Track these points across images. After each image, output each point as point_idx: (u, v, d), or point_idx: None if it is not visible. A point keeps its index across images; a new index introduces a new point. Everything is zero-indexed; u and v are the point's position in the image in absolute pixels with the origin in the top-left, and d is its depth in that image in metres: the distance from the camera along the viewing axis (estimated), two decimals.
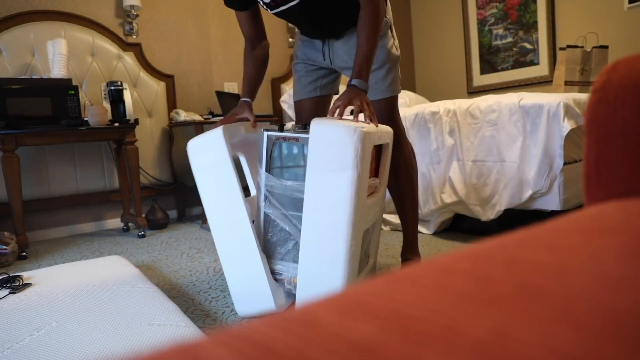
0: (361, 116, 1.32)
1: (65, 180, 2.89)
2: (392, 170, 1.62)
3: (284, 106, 3.70)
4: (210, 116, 3.22)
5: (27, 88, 2.42)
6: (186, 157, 3.35)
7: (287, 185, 1.30)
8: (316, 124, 1.22)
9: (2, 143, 2.32)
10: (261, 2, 1.49)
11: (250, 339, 0.22)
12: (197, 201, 3.46)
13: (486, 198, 2.05)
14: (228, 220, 1.33)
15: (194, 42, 3.47)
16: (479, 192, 2.07)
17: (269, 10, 1.51)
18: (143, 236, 2.70)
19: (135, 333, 1.12)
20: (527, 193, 1.91)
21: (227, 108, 3.25)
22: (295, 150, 1.32)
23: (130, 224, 2.99)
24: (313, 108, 1.69)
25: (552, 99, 1.86)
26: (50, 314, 1.26)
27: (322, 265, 1.25)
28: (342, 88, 1.58)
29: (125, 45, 3.15)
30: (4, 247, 2.19)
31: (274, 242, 1.35)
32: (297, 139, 1.29)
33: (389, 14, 1.57)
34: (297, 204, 1.29)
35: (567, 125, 1.80)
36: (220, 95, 3.29)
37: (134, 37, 3.20)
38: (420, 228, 2.28)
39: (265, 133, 1.32)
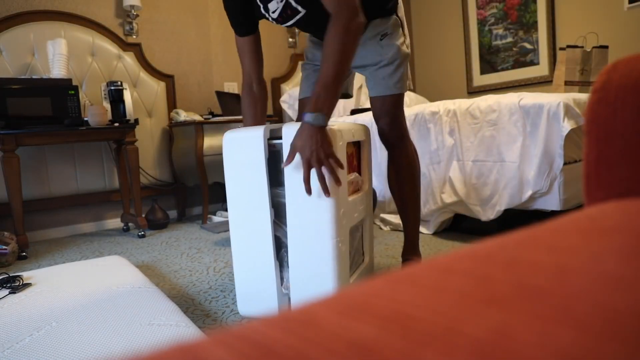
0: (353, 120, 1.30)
1: (65, 180, 2.89)
2: (394, 171, 1.61)
3: (284, 106, 3.70)
4: (210, 116, 3.22)
5: (27, 88, 2.42)
6: (186, 157, 3.33)
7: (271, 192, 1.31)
8: (287, 128, 1.22)
9: (2, 143, 2.32)
10: (270, 19, 1.47)
11: (250, 339, 0.22)
12: (197, 201, 3.46)
13: (486, 198, 2.05)
14: (250, 220, 1.33)
15: (194, 42, 3.47)
16: (479, 192, 2.07)
17: (276, 24, 1.51)
18: (143, 236, 2.70)
19: (135, 333, 1.12)
20: (527, 193, 1.91)
21: (227, 108, 3.25)
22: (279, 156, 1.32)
23: (130, 224, 2.99)
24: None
25: (552, 99, 1.86)
26: (50, 314, 1.26)
27: (312, 266, 1.26)
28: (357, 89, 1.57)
29: (125, 45, 3.15)
30: (4, 247, 2.19)
31: None
32: (274, 146, 1.30)
33: (401, 12, 1.57)
34: (282, 210, 1.30)
35: (567, 125, 1.80)
36: (220, 95, 3.29)
37: (134, 37, 3.20)
38: (421, 228, 2.28)
39: None
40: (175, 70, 3.39)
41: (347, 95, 1.78)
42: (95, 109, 2.58)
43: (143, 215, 2.78)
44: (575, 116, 1.83)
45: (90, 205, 3.03)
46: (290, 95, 3.64)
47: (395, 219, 2.41)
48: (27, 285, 1.55)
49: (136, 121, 2.75)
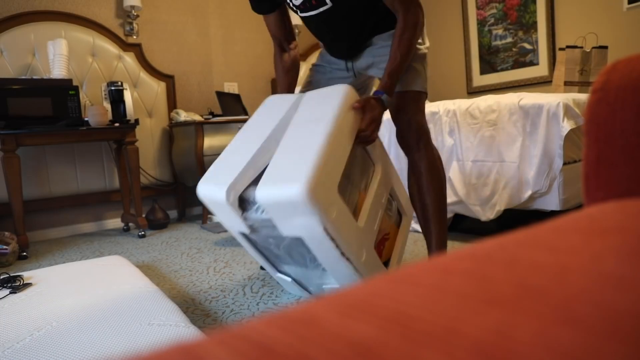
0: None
1: (66, 180, 2.89)
2: (414, 178, 1.46)
3: None
4: (210, 116, 3.22)
5: (27, 88, 2.42)
6: (186, 157, 3.33)
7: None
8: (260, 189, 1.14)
9: (2, 143, 2.32)
10: (291, 4, 1.48)
11: (250, 339, 0.22)
12: (197, 201, 3.46)
13: (486, 198, 2.05)
14: (251, 253, 1.44)
15: (194, 42, 3.47)
16: (479, 192, 2.07)
17: (298, 13, 1.52)
18: (143, 236, 2.70)
19: (135, 333, 1.12)
20: (527, 193, 1.91)
21: (227, 108, 3.25)
22: None
23: (130, 224, 2.99)
24: None
25: (551, 99, 1.86)
26: (51, 314, 1.26)
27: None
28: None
29: (125, 46, 3.15)
30: (5, 247, 2.19)
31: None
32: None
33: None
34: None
35: (566, 126, 1.80)
36: (220, 95, 3.29)
37: (134, 37, 3.20)
38: None
39: None
40: (175, 70, 3.39)
41: None
42: (95, 109, 2.58)
43: (143, 215, 2.78)
44: (575, 116, 1.83)
45: (90, 205, 3.03)
46: None
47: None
48: (28, 285, 1.55)
49: (136, 121, 2.75)
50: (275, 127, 1.33)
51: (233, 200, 1.22)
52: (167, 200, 3.32)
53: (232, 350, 0.21)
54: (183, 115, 3.13)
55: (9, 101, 2.34)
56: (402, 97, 1.45)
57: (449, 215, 2.25)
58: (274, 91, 3.85)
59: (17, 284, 1.54)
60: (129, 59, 3.16)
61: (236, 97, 3.42)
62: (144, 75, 3.21)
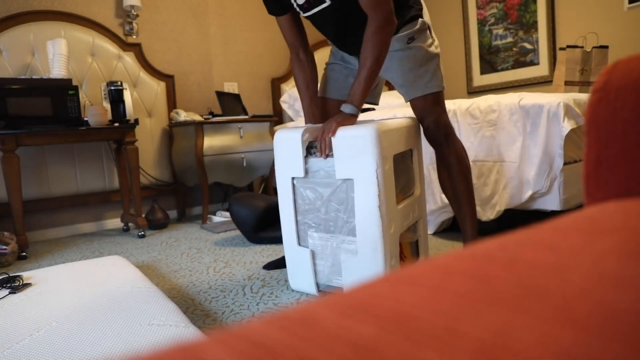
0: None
1: (65, 180, 2.89)
2: (446, 171, 1.61)
3: (284, 106, 3.70)
4: (210, 116, 3.22)
5: (27, 88, 2.42)
6: (186, 157, 3.34)
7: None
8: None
9: (2, 143, 2.32)
10: (295, 4, 1.52)
11: (250, 339, 0.22)
12: (197, 201, 3.46)
13: (486, 198, 2.05)
14: (284, 212, 1.55)
15: (194, 42, 3.47)
16: (479, 192, 2.07)
17: (302, 13, 1.55)
18: (143, 236, 2.70)
19: (135, 333, 1.12)
20: (527, 193, 1.91)
21: (227, 108, 3.25)
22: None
23: (130, 224, 2.99)
24: (334, 108, 1.74)
25: (552, 99, 1.86)
26: (50, 314, 1.26)
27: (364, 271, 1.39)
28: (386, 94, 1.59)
29: (125, 45, 3.15)
30: (4, 247, 2.19)
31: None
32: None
33: (427, 17, 1.60)
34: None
35: (567, 125, 1.80)
36: (220, 95, 3.29)
37: (134, 37, 3.20)
38: None
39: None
40: (175, 70, 3.39)
41: (374, 104, 1.83)
42: (95, 109, 2.58)
43: (143, 215, 2.78)
44: (575, 116, 1.83)
45: (90, 205, 3.03)
46: (290, 95, 3.64)
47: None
48: (27, 285, 1.55)
49: (136, 121, 2.75)
50: None
51: (306, 139, 1.46)
52: (167, 200, 3.32)
53: (232, 350, 0.21)
54: (183, 115, 3.13)
55: (9, 101, 2.34)
56: (425, 101, 1.57)
57: (449, 215, 2.25)
58: (274, 91, 3.85)
59: (17, 284, 1.54)
60: (129, 58, 3.16)
61: (236, 97, 3.42)
62: (143, 75, 3.21)
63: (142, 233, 2.69)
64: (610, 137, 0.58)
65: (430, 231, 2.30)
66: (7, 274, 1.64)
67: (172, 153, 3.27)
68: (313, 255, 1.51)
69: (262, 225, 2.38)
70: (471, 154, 2.10)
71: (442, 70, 1.60)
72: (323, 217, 1.46)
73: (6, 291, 1.49)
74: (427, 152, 2.26)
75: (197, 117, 3.14)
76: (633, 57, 0.60)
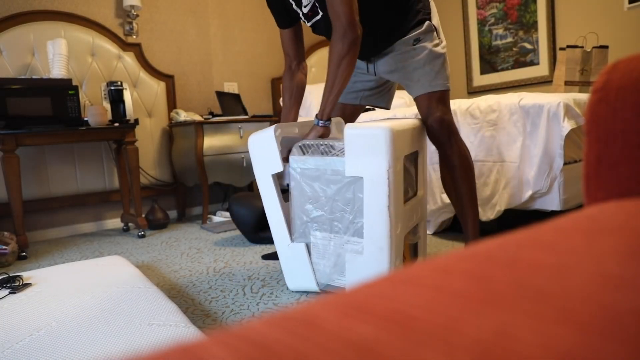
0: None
1: (65, 180, 2.89)
2: (448, 172, 1.60)
3: None
4: (210, 116, 3.22)
5: (27, 88, 2.42)
6: (186, 157, 3.34)
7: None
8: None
9: (2, 143, 2.32)
10: (300, 14, 1.56)
11: (250, 339, 0.22)
12: (197, 201, 3.46)
13: (486, 198, 2.05)
14: (271, 211, 1.54)
15: (194, 42, 3.47)
16: (479, 192, 2.07)
17: (306, 23, 1.59)
18: (143, 236, 2.70)
19: (135, 333, 1.12)
20: (527, 193, 1.91)
21: (227, 108, 3.25)
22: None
23: (130, 224, 2.99)
24: (342, 111, 1.78)
25: (552, 99, 1.86)
26: (50, 314, 1.26)
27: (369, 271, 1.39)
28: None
29: (125, 45, 3.15)
30: (4, 247, 2.19)
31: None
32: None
33: (435, 20, 1.60)
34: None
35: (567, 125, 1.80)
36: (220, 95, 3.29)
37: (134, 37, 3.20)
38: None
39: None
40: (175, 70, 3.39)
41: (385, 108, 1.86)
42: (95, 109, 2.58)
43: (143, 215, 2.78)
44: (575, 116, 1.83)
45: (90, 205, 3.03)
46: None
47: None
48: (27, 285, 1.55)
49: (136, 121, 2.75)
50: None
51: (278, 135, 1.47)
52: (166, 200, 3.32)
53: (232, 350, 0.21)
54: (183, 115, 3.13)
55: (9, 101, 2.34)
56: (430, 99, 1.56)
57: (449, 215, 2.25)
58: (274, 91, 3.85)
59: (17, 284, 1.54)
60: (129, 58, 3.15)
61: (236, 97, 3.42)
62: (143, 75, 3.21)
63: (142, 233, 2.69)
64: (610, 137, 0.58)
65: (430, 231, 2.30)
66: (7, 274, 1.64)
67: (172, 153, 3.27)
68: (308, 248, 1.50)
69: (262, 225, 2.38)
70: (471, 154, 2.10)
71: (448, 71, 1.60)
72: (328, 217, 1.45)
73: (6, 291, 1.49)
74: (427, 152, 2.26)
75: (197, 117, 3.14)
76: (633, 57, 0.60)
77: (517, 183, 1.94)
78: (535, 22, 3.57)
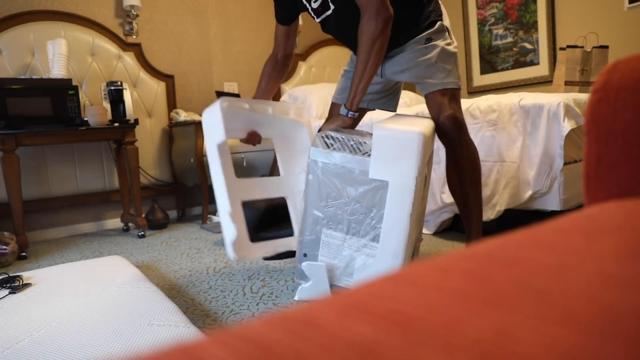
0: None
1: (65, 180, 2.89)
2: (456, 173, 1.57)
3: None
4: None
5: (27, 88, 2.42)
6: (186, 157, 3.32)
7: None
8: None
9: (2, 143, 2.32)
10: (309, 9, 1.56)
11: (250, 339, 0.22)
12: (197, 201, 3.46)
13: (486, 198, 2.05)
14: (215, 181, 1.42)
15: (194, 42, 3.47)
16: None
17: (315, 18, 1.59)
18: (143, 236, 2.70)
19: (135, 333, 1.12)
20: (527, 193, 1.91)
21: None
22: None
23: (130, 224, 2.98)
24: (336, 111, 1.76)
25: (552, 99, 1.86)
26: (50, 314, 1.26)
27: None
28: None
29: (125, 45, 3.15)
30: (4, 247, 2.19)
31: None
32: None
33: (447, 21, 1.61)
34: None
35: (567, 125, 1.80)
36: (220, 95, 3.29)
37: (134, 37, 3.20)
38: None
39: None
40: (175, 70, 3.39)
41: (392, 110, 1.87)
42: (95, 109, 2.57)
43: (143, 215, 2.78)
44: (576, 116, 1.83)
45: (90, 205, 3.03)
46: (290, 95, 3.64)
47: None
48: (27, 285, 1.55)
49: (136, 121, 2.75)
50: None
51: (225, 106, 1.39)
52: (166, 200, 3.32)
53: (232, 350, 0.21)
54: (183, 115, 3.13)
55: (8, 101, 2.34)
56: (442, 96, 1.54)
57: (449, 215, 2.25)
58: None
59: (17, 284, 1.54)
60: (129, 58, 3.15)
61: (236, 97, 3.42)
62: (143, 75, 3.21)
63: (142, 233, 2.69)
64: (610, 137, 0.58)
65: (430, 231, 2.30)
66: (7, 274, 1.64)
67: (172, 153, 3.27)
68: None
69: (263, 225, 2.38)
70: None
71: (459, 70, 1.59)
72: (346, 218, 1.36)
73: (6, 291, 1.49)
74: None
75: (197, 117, 3.14)
76: (633, 57, 0.60)
77: (517, 183, 1.94)
78: (535, 22, 3.57)
